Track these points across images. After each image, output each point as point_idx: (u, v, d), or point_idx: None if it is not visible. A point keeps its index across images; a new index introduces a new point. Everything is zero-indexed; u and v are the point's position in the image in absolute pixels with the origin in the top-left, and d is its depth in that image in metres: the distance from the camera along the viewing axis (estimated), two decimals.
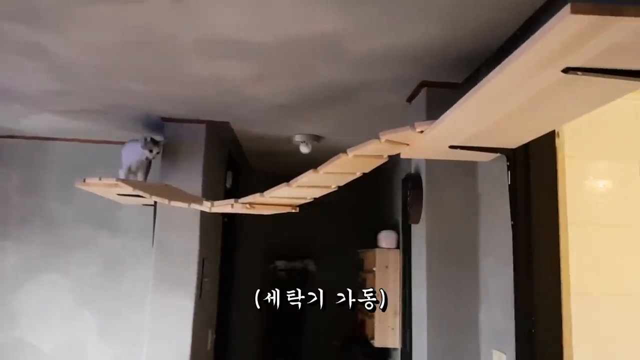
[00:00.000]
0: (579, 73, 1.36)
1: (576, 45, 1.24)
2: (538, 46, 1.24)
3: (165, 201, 3.04)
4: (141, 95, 3.53)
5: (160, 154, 3.85)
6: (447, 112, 1.85)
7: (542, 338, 2.21)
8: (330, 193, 2.81)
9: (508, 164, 2.35)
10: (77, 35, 2.60)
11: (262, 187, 2.74)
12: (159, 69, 3.03)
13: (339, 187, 2.76)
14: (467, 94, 1.65)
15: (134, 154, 3.81)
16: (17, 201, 4.86)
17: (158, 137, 3.94)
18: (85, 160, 4.85)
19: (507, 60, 1.36)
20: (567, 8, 1.09)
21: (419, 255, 3.08)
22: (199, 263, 3.94)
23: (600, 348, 2.29)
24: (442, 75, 2.93)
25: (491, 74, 1.46)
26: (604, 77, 1.38)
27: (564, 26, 1.13)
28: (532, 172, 2.30)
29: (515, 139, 2.18)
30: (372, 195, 6.29)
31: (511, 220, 2.33)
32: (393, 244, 4.77)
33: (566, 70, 1.37)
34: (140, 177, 3.89)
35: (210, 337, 4.57)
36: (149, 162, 3.90)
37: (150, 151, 3.74)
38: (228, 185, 5.17)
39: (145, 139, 3.75)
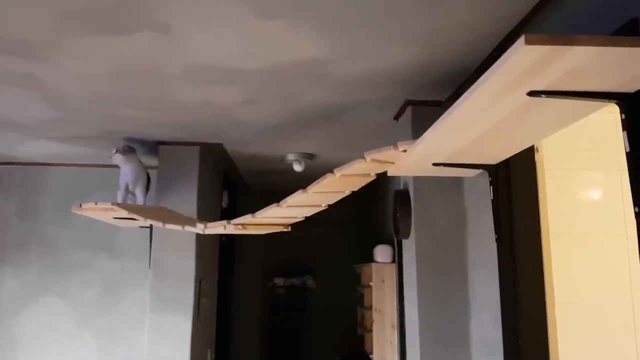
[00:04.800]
0: (542, 96, 1.43)
1: (536, 70, 1.31)
2: (500, 73, 1.31)
3: (160, 224, 3.10)
4: (135, 121, 3.61)
5: (129, 152, 3.88)
6: (425, 133, 1.91)
7: (529, 348, 2.26)
8: (328, 209, 2.87)
9: (490, 179, 2.41)
10: (69, 66, 2.69)
11: (259, 205, 2.80)
12: (150, 95, 3.11)
13: (332, 204, 2.81)
14: (441, 117, 1.72)
15: (123, 170, 3.88)
16: (15, 226, 4.93)
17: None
18: (84, 184, 4.92)
19: (473, 86, 1.43)
20: (521, 39, 1.16)
21: (410, 269, 3.13)
22: (195, 283, 3.99)
23: (586, 355, 2.34)
24: (426, 94, 3.01)
25: (460, 99, 1.53)
26: (567, 98, 1.44)
27: (521, 55, 1.21)
28: (514, 186, 2.36)
29: (495, 156, 2.24)
30: (369, 210, 6.34)
31: (495, 234, 2.39)
32: (389, 258, 4.81)
33: (531, 93, 1.44)
34: (139, 194, 3.92)
35: (210, 356, 4.61)
36: (146, 177, 3.96)
37: (117, 152, 3.82)
38: (224, 205, 5.23)
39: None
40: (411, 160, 2.30)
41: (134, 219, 3.38)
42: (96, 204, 3.31)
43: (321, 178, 2.40)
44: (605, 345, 2.34)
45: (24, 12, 2.13)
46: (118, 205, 3.32)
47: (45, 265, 4.89)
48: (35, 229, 4.93)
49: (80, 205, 3.37)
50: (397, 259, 4.38)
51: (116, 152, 3.79)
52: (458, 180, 3.07)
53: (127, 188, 3.89)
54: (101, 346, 4.81)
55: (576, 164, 2.52)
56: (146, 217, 3.23)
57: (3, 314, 4.81)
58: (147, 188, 4.03)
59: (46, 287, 4.86)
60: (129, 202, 3.89)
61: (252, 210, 2.83)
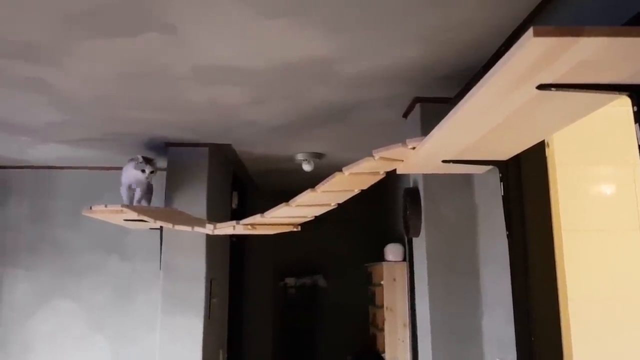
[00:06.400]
0: (552, 89, 1.41)
1: (545, 63, 1.29)
2: (508, 67, 1.29)
3: (170, 225, 3.11)
4: (143, 123, 3.61)
5: (156, 173, 3.78)
6: (433, 130, 1.90)
7: (541, 344, 2.24)
8: (337, 208, 2.86)
9: (501, 175, 2.39)
10: (76, 69, 2.70)
11: (268, 205, 2.79)
12: (158, 97, 3.11)
13: (341, 203, 2.80)
14: (450, 113, 1.71)
15: (131, 173, 3.80)
16: (27, 230, 4.96)
17: (152, 156, 3.95)
18: (93, 187, 4.95)
19: (481, 81, 1.41)
20: (530, 31, 1.15)
21: (421, 267, 3.12)
22: (206, 284, 3.99)
23: (599, 351, 2.31)
24: (434, 91, 2.99)
25: (468, 94, 1.51)
26: (577, 91, 1.42)
27: (529, 48, 1.19)
28: (524, 182, 2.34)
29: (505, 151, 2.22)
30: (378, 208, 6.33)
31: (506, 230, 2.37)
32: (400, 257, 4.80)
33: (540, 87, 1.42)
34: (141, 196, 3.89)
35: (222, 356, 4.61)
36: (148, 183, 3.92)
37: (143, 171, 3.69)
38: (234, 206, 5.23)
39: (138, 160, 3.72)
40: (420, 157, 2.28)
41: (144, 221, 3.39)
42: (106, 206, 3.32)
43: (330, 177, 2.39)
44: (619, 340, 2.32)
45: (31, 16, 2.14)
46: (128, 207, 3.33)
47: (57, 268, 4.92)
48: (47, 232, 4.96)
49: (91, 208, 3.39)
50: (408, 257, 4.36)
51: (135, 164, 3.70)
52: (468, 177, 3.05)
53: (130, 187, 3.83)
54: (113, 348, 4.83)
55: (588, 159, 2.49)
56: (156, 218, 3.24)
57: (16, 317, 4.84)
58: (149, 194, 3.99)
59: (58, 289, 4.89)
60: (135, 200, 3.86)
61: (262, 210, 2.83)
